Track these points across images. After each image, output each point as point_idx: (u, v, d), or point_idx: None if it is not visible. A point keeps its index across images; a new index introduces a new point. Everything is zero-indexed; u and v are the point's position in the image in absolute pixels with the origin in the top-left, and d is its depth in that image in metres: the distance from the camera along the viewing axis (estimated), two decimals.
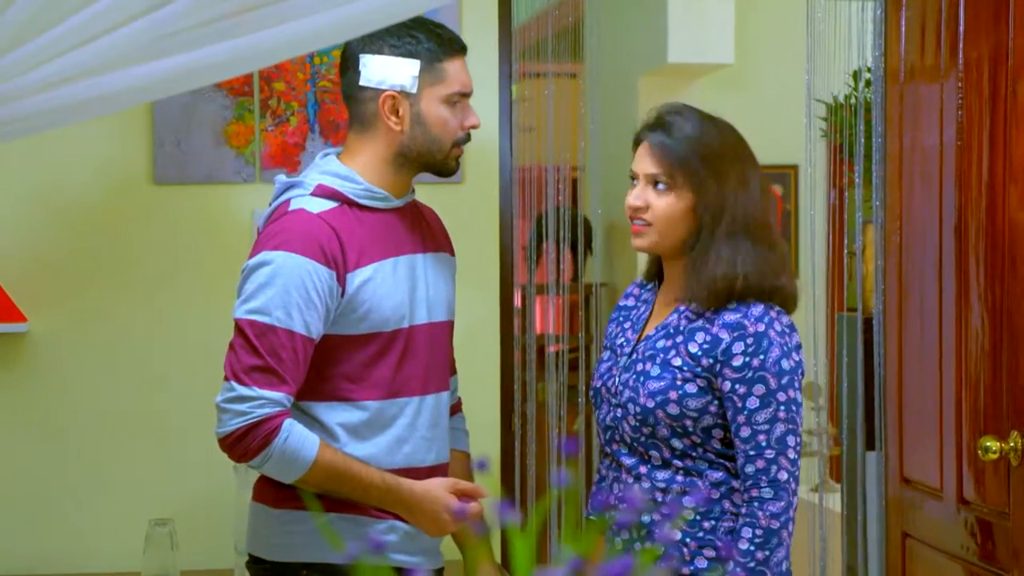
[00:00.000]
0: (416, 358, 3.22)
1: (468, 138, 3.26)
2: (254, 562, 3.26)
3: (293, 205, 3.11)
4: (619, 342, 3.27)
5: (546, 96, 5.29)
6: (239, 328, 3.04)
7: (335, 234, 3.08)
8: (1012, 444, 3.47)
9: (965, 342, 3.72)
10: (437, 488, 3.18)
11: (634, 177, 3.20)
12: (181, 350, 4.28)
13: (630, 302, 3.37)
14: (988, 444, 3.50)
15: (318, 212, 3.09)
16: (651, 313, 3.27)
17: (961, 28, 3.75)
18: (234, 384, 3.01)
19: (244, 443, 3.00)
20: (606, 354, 3.31)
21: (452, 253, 3.44)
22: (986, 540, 3.66)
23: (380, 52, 3.12)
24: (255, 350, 3.01)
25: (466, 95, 3.23)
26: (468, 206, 4.33)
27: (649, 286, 3.35)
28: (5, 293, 4.16)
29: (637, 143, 3.21)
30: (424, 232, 3.31)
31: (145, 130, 4.24)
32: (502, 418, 4.43)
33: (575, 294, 6.15)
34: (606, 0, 5.86)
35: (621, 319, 3.34)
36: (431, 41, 3.16)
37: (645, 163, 3.17)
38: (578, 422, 5.42)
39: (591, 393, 3.32)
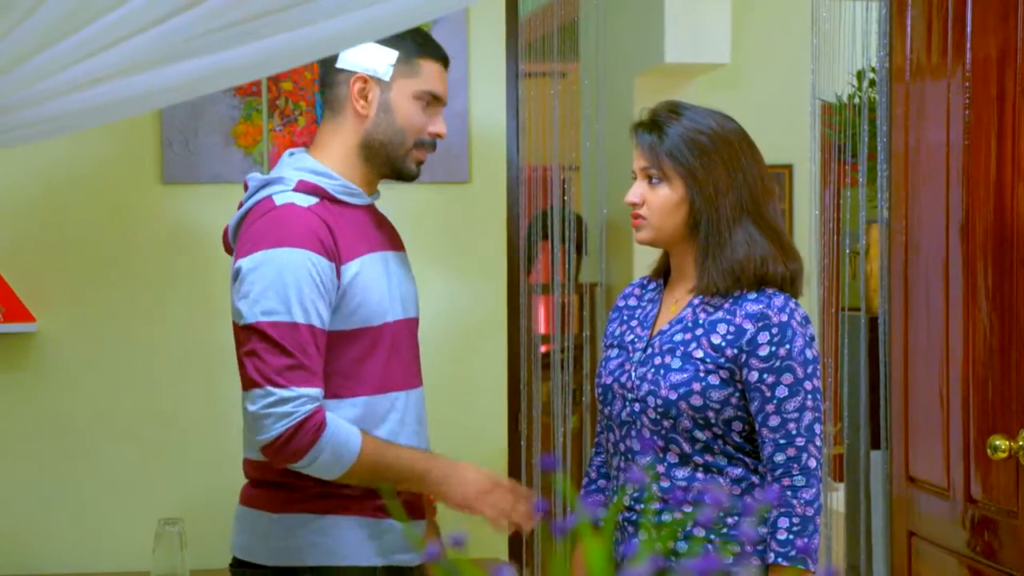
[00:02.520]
0: (399, 353, 3.22)
1: (433, 147, 3.26)
2: (244, 565, 3.23)
3: (279, 200, 3.08)
4: (629, 339, 3.28)
5: (540, 96, 5.29)
6: (259, 332, 2.98)
7: (327, 227, 3.06)
8: (1021, 443, 3.49)
9: (973, 341, 3.74)
10: (474, 471, 3.19)
11: (635, 175, 3.24)
12: (190, 349, 4.29)
13: (632, 301, 3.38)
14: (997, 443, 3.51)
15: (307, 206, 3.08)
16: (659, 310, 3.29)
17: (968, 28, 3.76)
18: (271, 389, 2.95)
19: (293, 444, 2.95)
20: (613, 352, 3.31)
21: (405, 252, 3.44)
22: (993, 539, 3.68)
23: None
24: (283, 350, 2.96)
25: (438, 99, 3.24)
26: (475, 205, 4.34)
27: (652, 285, 3.36)
28: (14, 293, 4.16)
29: (635, 144, 3.25)
30: (388, 231, 3.32)
31: (153, 130, 4.25)
32: (509, 416, 4.44)
33: (566, 294, 6.15)
34: None
35: (626, 317, 3.35)
36: (414, 41, 3.18)
37: (637, 159, 3.22)
38: (574, 420, 5.43)
39: (599, 391, 3.31)
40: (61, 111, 2.28)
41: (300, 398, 2.95)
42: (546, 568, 4.81)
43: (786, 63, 7.70)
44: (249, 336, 2.99)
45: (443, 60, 3.25)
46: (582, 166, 5.95)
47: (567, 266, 5.38)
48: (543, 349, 5.85)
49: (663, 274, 3.36)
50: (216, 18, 2.20)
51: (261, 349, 2.97)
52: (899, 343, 4.18)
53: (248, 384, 2.99)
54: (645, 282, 3.40)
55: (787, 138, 6.82)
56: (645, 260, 3.50)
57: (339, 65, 3.17)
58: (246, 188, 3.21)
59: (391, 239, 3.31)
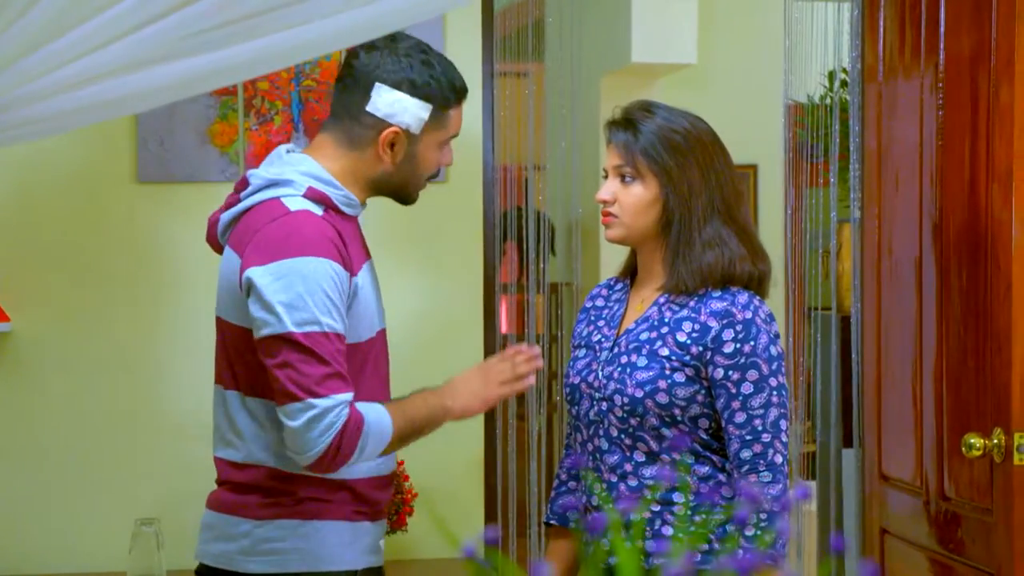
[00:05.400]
0: (380, 365, 3.21)
1: (438, 174, 3.25)
2: (219, 574, 3.17)
3: (293, 206, 3.03)
4: (596, 339, 3.29)
5: (505, 96, 5.27)
6: (293, 343, 2.92)
7: (340, 238, 3.04)
8: (995, 441, 3.51)
9: (946, 339, 3.76)
10: (466, 374, 3.21)
11: (605, 174, 3.25)
12: (165, 349, 4.28)
13: (599, 302, 3.39)
14: (972, 441, 3.54)
15: (321, 216, 3.04)
16: (626, 309, 3.30)
17: (942, 27, 3.79)
18: (312, 401, 2.90)
19: (343, 450, 2.93)
20: (581, 352, 3.31)
21: None
22: (966, 536, 3.70)
23: (398, 87, 3.07)
24: (321, 359, 2.92)
25: (456, 136, 3.23)
26: (451, 205, 4.34)
27: (619, 285, 3.37)
28: None
29: (608, 142, 3.26)
30: (364, 240, 3.28)
31: (129, 129, 4.23)
32: (485, 415, 4.45)
33: (540, 293, 6.15)
34: None
35: (593, 318, 3.36)
36: (448, 87, 3.12)
37: (611, 157, 3.22)
38: (539, 422, 5.44)
39: (567, 391, 3.32)
40: (56, 110, 2.27)
41: (338, 406, 2.92)
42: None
43: (752, 64, 7.74)
44: (280, 347, 2.93)
45: (466, 95, 3.22)
46: (548, 166, 5.95)
47: (542, 266, 5.39)
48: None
49: (630, 274, 3.37)
50: (209, 18, 2.21)
51: (296, 360, 2.92)
52: (871, 342, 4.21)
53: (285, 398, 2.93)
54: (612, 283, 3.41)
55: (752, 138, 6.84)
56: (613, 260, 3.51)
57: (370, 109, 3.08)
58: (245, 183, 3.13)
59: (367, 248, 3.27)
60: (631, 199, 3.19)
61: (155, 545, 3.92)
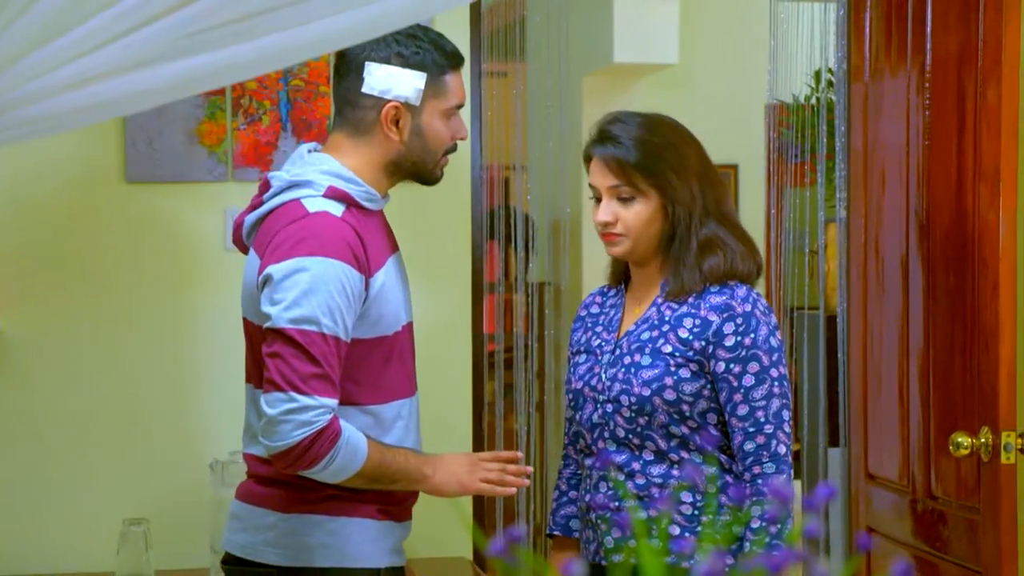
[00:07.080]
0: (406, 358, 3.22)
1: (455, 148, 3.26)
2: (245, 564, 3.20)
3: (312, 207, 3.05)
4: (596, 343, 3.30)
5: (509, 95, 5.29)
6: (287, 337, 2.95)
7: (359, 238, 3.05)
8: (983, 440, 3.53)
9: (933, 339, 3.78)
10: (455, 455, 3.24)
11: (596, 193, 3.24)
12: (154, 349, 4.26)
13: (595, 309, 3.40)
14: (959, 440, 3.55)
15: (341, 216, 3.05)
16: (623, 314, 3.31)
17: (928, 27, 3.80)
18: (294, 395, 2.92)
19: (312, 452, 2.94)
20: (581, 357, 3.32)
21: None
22: (952, 535, 3.72)
23: (387, 61, 3.11)
24: (311, 358, 2.94)
25: (461, 107, 3.24)
26: (438, 205, 4.34)
27: (612, 292, 3.39)
28: None
29: (588, 160, 3.25)
30: (390, 232, 3.31)
31: (117, 128, 4.22)
32: (474, 413, 4.45)
33: (508, 293, 6.16)
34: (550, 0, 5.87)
35: (590, 324, 3.37)
36: (438, 53, 3.15)
37: (603, 177, 3.21)
38: (525, 422, 5.44)
39: (569, 397, 3.33)
40: (54, 110, 2.27)
41: (321, 408, 2.94)
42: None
43: (733, 64, 7.76)
44: (275, 339, 2.97)
45: (461, 63, 3.23)
46: (530, 166, 5.97)
47: (528, 265, 5.40)
48: (488, 349, 5.86)
49: (620, 279, 3.38)
50: (209, 17, 2.20)
51: (287, 354, 2.95)
52: (858, 341, 4.22)
53: (270, 386, 2.97)
54: (605, 290, 3.42)
55: (733, 138, 6.86)
56: (595, 260, 3.53)
57: (365, 90, 3.12)
58: (267, 185, 3.17)
59: (394, 241, 3.30)
60: (634, 216, 3.19)
61: (143, 545, 3.92)
